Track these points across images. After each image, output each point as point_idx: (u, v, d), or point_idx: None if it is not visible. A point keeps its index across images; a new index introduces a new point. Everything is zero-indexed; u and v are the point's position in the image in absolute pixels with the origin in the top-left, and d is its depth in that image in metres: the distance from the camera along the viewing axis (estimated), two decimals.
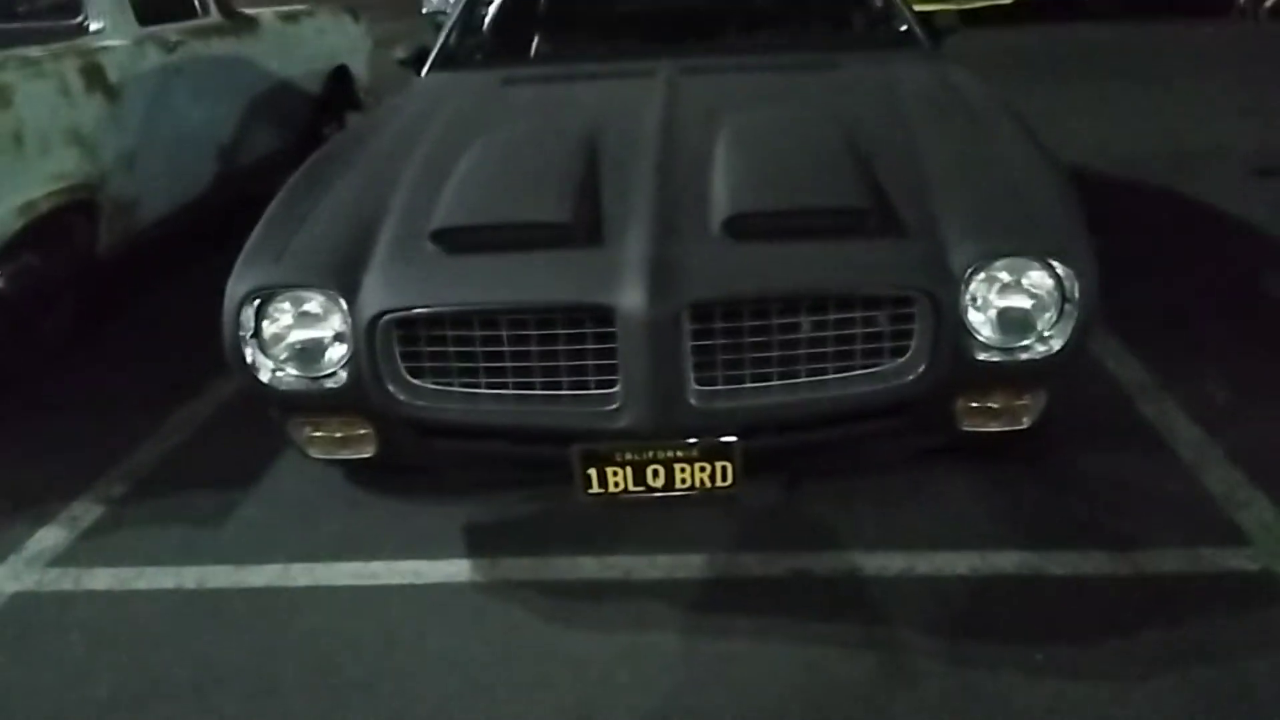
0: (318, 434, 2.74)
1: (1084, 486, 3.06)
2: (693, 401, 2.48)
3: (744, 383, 2.54)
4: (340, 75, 7.00)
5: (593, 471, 2.58)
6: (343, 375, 2.58)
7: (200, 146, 5.35)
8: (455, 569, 2.89)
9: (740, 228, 2.56)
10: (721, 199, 2.65)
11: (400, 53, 4.46)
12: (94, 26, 4.78)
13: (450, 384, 2.59)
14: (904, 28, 4.31)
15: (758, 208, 2.59)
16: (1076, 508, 2.96)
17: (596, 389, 2.54)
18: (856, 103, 3.42)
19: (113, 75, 4.63)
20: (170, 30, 5.18)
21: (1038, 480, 3.09)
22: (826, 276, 2.49)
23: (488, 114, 3.51)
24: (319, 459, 2.81)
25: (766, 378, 2.54)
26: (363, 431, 2.71)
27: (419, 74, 4.30)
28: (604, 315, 2.44)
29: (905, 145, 3.03)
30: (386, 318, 2.52)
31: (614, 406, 2.49)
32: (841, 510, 3.01)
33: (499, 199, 2.70)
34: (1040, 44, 12.04)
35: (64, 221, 4.32)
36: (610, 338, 2.45)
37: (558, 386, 2.56)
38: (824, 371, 2.55)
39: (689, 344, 2.45)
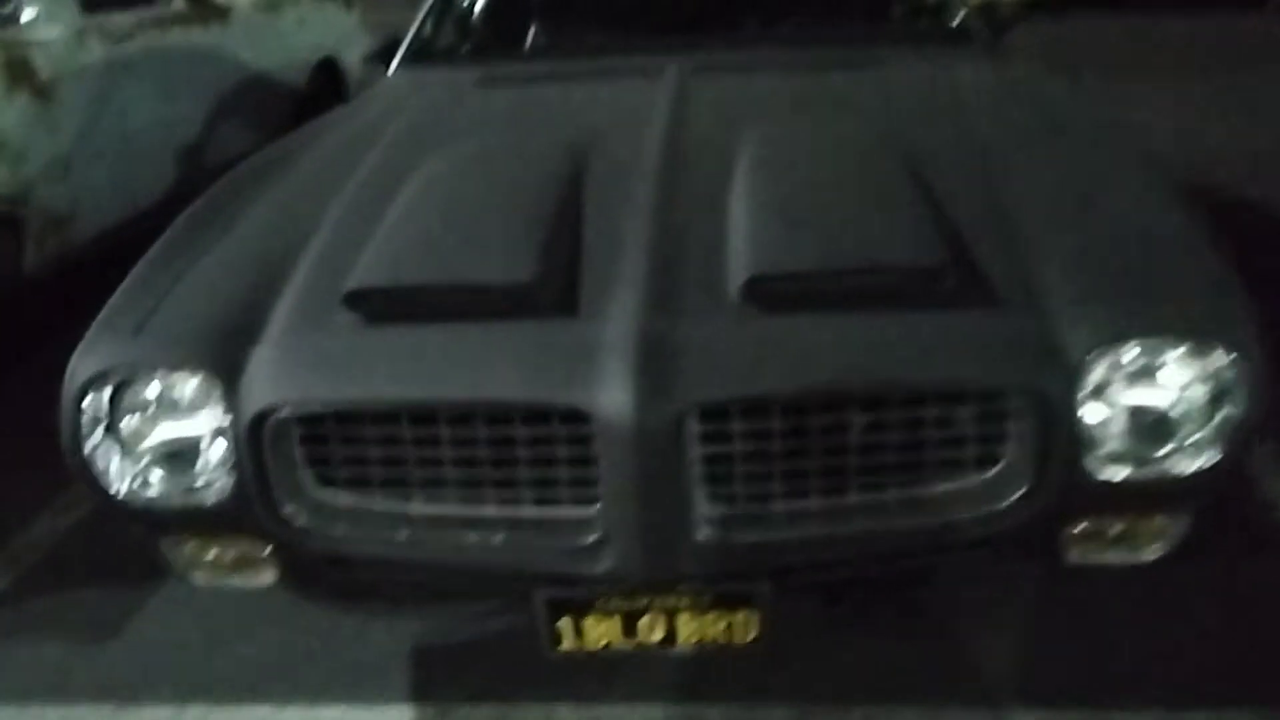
0: (201, 556, 2.01)
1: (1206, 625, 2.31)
2: (702, 535, 1.73)
3: (772, 504, 1.79)
4: (327, 68, 6.22)
5: (565, 624, 1.84)
6: (225, 485, 1.84)
7: (156, 149, 4.59)
8: (395, 717, 2.17)
9: (767, 294, 1.79)
10: (741, 252, 1.87)
11: (366, 48, 3.69)
12: (26, 16, 4.02)
13: (371, 499, 1.86)
14: (960, 17, 3.50)
15: (791, 266, 1.81)
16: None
17: (570, 510, 1.80)
18: (910, 113, 2.62)
19: (44, 71, 3.88)
20: (122, 19, 4.45)
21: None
22: (888, 365, 1.72)
23: (448, 127, 2.69)
24: (204, 586, 2.08)
25: (803, 496, 1.80)
26: (260, 554, 1.98)
27: (387, 69, 3.54)
28: (578, 418, 1.71)
29: (980, 173, 2.23)
30: (278, 415, 1.79)
31: (593, 538, 1.74)
32: (893, 646, 2.28)
33: (439, 249, 1.92)
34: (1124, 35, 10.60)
35: None
36: (586, 442, 1.72)
37: (517, 506, 1.82)
38: (882, 489, 1.80)
39: (697, 455, 1.71)
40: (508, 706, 2.16)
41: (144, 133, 4.50)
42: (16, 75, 3.77)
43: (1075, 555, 1.92)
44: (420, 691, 2.21)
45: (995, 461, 1.78)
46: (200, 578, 2.03)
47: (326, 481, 1.85)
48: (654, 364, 1.66)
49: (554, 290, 1.83)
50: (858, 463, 1.77)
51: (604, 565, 1.73)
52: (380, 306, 1.84)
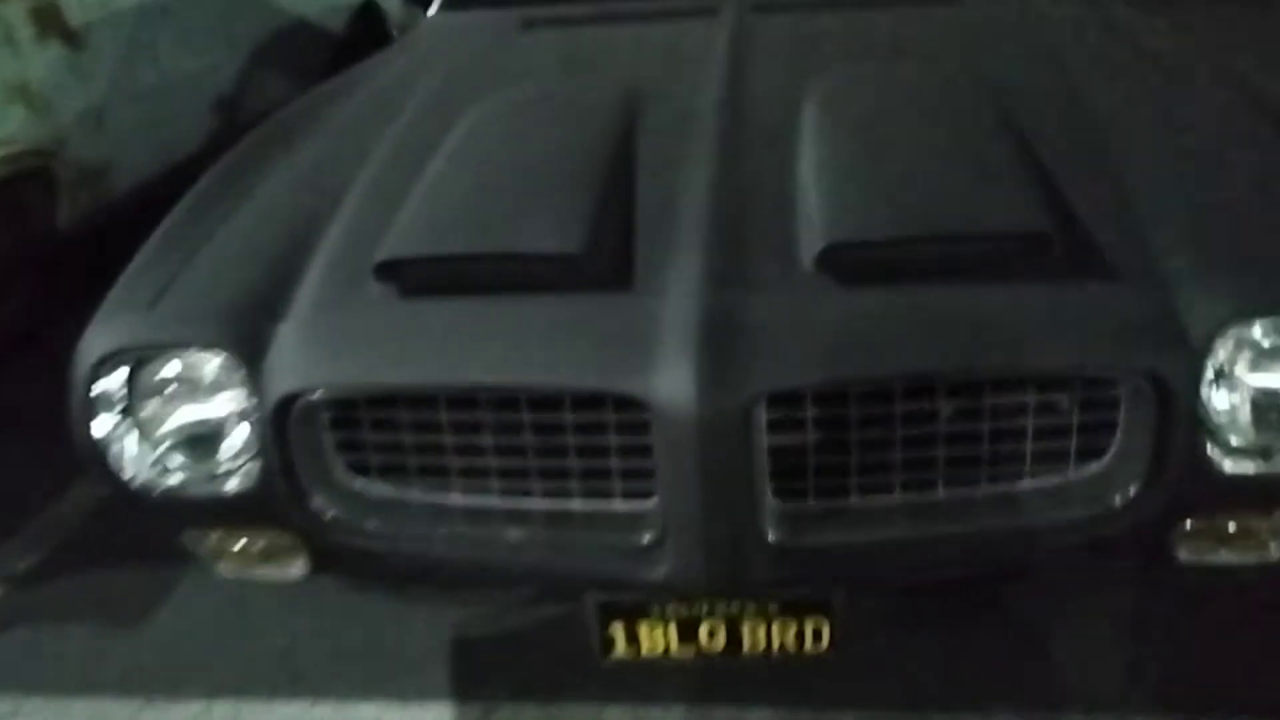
0: (227, 546, 1.85)
1: None
2: (771, 536, 1.55)
3: (848, 499, 1.60)
4: (368, 11, 6.00)
5: (617, 630, 1.67)
6: (250, 473, 1.67)
7: (192, 98, 4.42)
8: (433, 717, 2.02)
9: (845, 265, 1.57)
10: (815, 216, 1.64)
11: None
12: None
13: (406, 489, 1.69)
14: None
15: (872, 233, 1.58)
16: None
17: (623, 505, 1.62)
18: (1000, 55, 2.34)
19: (74, 17, 3.72)
20: None
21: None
22: (986, 346, 1.50)
23: (489, 75, 2.44)
24: (231, 578, 1.92)
25: (883, 491, 1.60)
26: (290, 544, 1.82)
27: (425, 11, 3.31)
28: (633, 405, 1.52)
29: (1083, 124, 1.97)
30: (305, 399, 1.61)
31: (649, 538, 1.56)
32: (964, 646, 2.09)
33: (479, 214, 1.71)
34: None
35: (13, 193, 3.46)
36: (642, 429, 1.52)
37: (565, 499, 1.65)
38: (974, 482, 1.60)
39: (764, 446, 1.52)
40: (555, 707, 2.00)
41: (179, 81, 4.32)
42: (46, 22, 3.61)
43: (1186, 554, 1.69)
44: (461, 688, 2.06)
45: (1101, 453, 1.58)
46: (226, 568, 1.87)
47: (359, 470, 1.68)
48: (719, 346, 1.45)
49: (606, 261, 1.62)
50: (945, 454, 1.57)
51: (661, 571, 1.55)
52: (415, 279, 1.64)
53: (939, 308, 1.52)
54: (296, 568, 1.83)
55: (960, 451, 1.57)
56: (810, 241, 1.59)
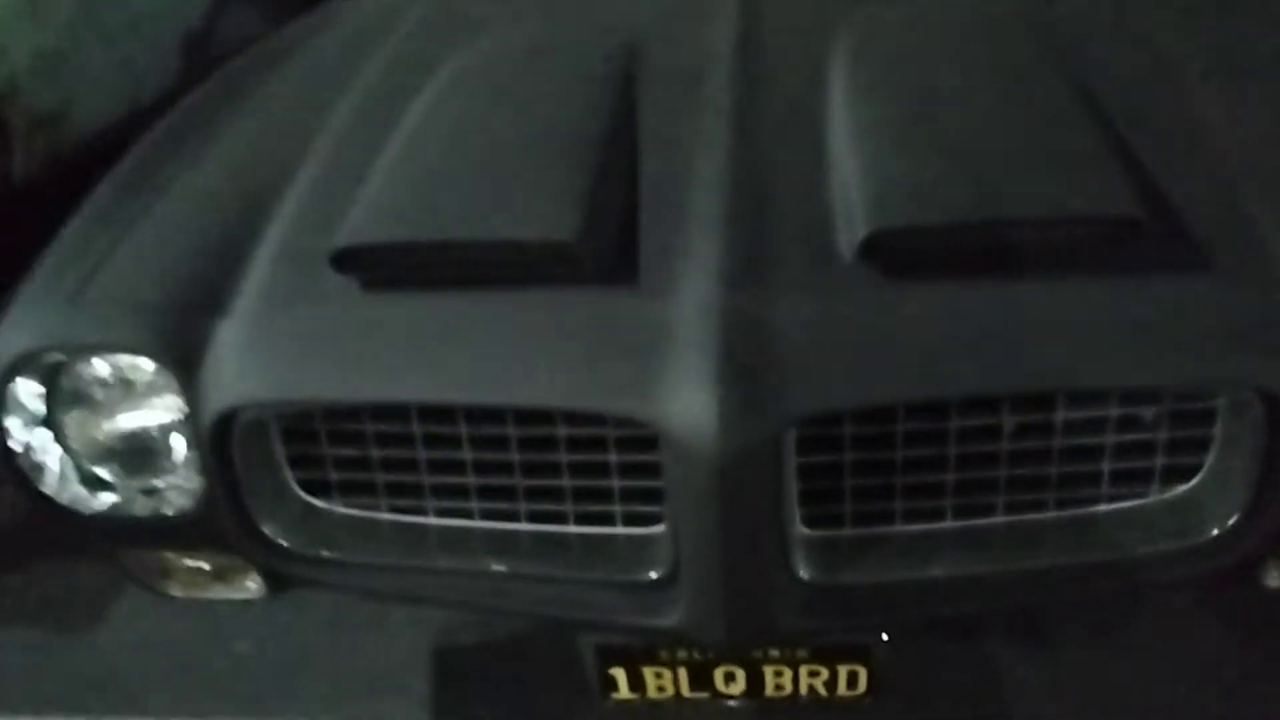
0: (175, 565, 1.60)
1: None
2: (803, 572, 1.31)
3: (891, 526, 1.36)
4: None
5: (618, 672, 1.44)
6: (192, 491, 1.42)
7: (157, 37, 4.11)
8: None
9: (894, 256, 1.30)
10: (855, 196, 1.35)
11: None
12: None
13: (374, 510, 1.45)
14: None
15: (926, 218, 1.30)
16: None
17: (626, 531, 1.38)
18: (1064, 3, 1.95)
19: None
20: None
21: None
22: (1066, 357, 1.24)
23: (469, 21, 2.04)
24: (180, 597, 1.68)
25: (931, 517, 1.37)
26: (244, 564, 1.58)
27: None
28: (637, 425, 1.26)
29: (1169, 84, 1.65)
30: (249, 413, 1.37)
31: (655, 575, 1.33)
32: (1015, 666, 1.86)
33: (454, 194, 1.42)
34: None
35: None
36: (649, 446, 1.26)
37: (556, 523, 1.41)
38: (1040, 507, 1.37)
39: (794, 468, 1.27)
40: None
41: (144, 18, 4.00)
42: None
43: (1276, 578, 1.48)
44: (440, 711, 1.84)
45: (1191, 474, 1.34)
46: (174, 588, 1.63)
47: (317, 489, 1.44)
48: (743, 361, 1.19)
49: (606, 250, 1.34)
50: (1007, 474, 1.33)
51: (671, 618, 1.31)
52: (378, 270, 1.37)
53: (1007, 309, 1.26)
54: (253, 588, 1.59)
55: (1025, 471, 1.33)
56: (850, 228, 1.31)
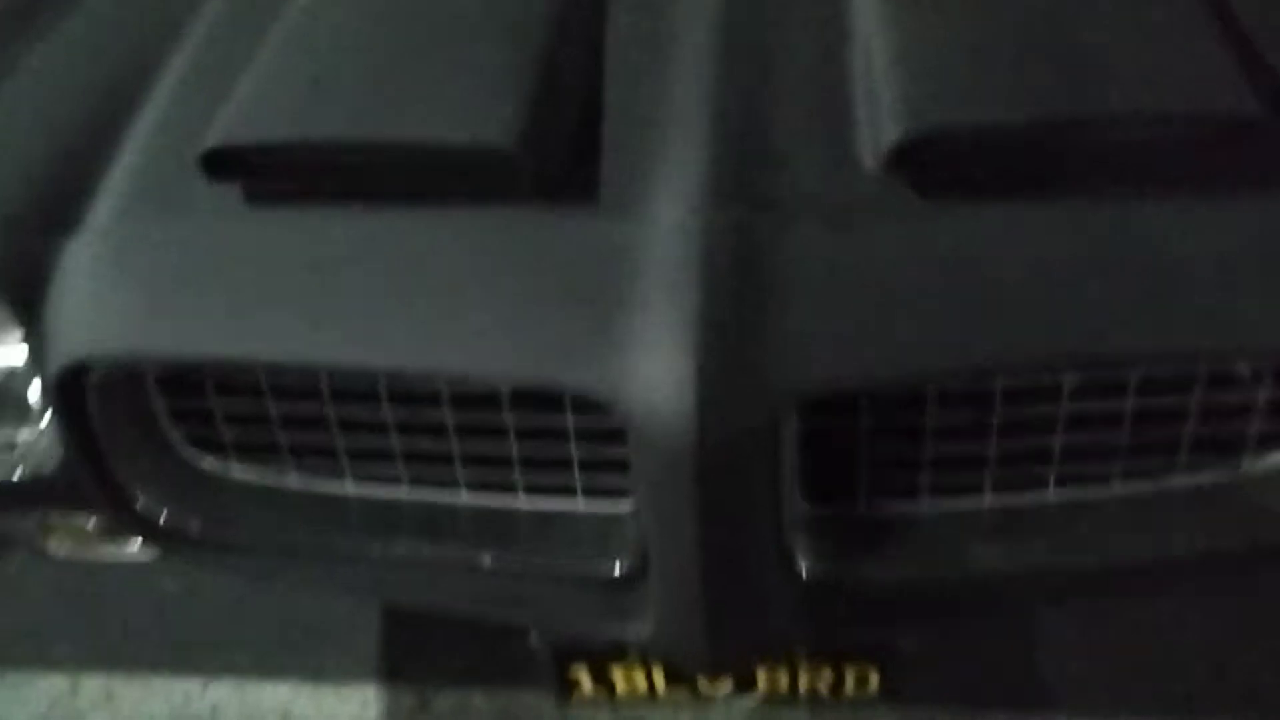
0: (53, 523, 1.34)
1: None
2: (804, 565, 1.03)
3: (916, 503, 1.09)
4: None
5: (580, 672, 1.19)
6: (49, 449, 1.15)
7: None
8: (356, 707, 1.58)
9: (935, 169, 0.98)
10: (885, 84, 1.01)
11: None
12: None
13: (279, 474, 1.17)
14: None
15: (979, 115, 0.97)
16: None
17: (585, 506, 1.11)
18: None
19: None
20: None
21: None
22: (1161, 306, 0.93)
23: None
24: (63, 559, 1.42)
25: (969, 493, 1.09)
26: None
27: None
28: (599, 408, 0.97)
29: None
30: (104, 362, 1.08)
31: (621, 568, 1.06)
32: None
33: (359, 84, 1.08)
34: None
35: None
36: (614, 438, 1.00)
37: (499, 493, 1.13)
38: (1102, 481, 1.09)
39: (793, 433, 0.99)
40: (507, 696, 1.56)
41: None
42: None
43: None
44: (392, 670, 1.61)
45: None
46: (57, 547, 1.38)
47: (207, 448, 1.17)
48: (731, 308, 0.90)
49: (552, 161, 1.01)
50: (1061, 440, 1.06)
51: (641, 627, 1.05)
52: (261, 180, 1.05)
53: (1085, 240, 0.96)
54: (142, 549, 1.34)
55: (1086, 438, 1.05)
56: (876, 131, 0.99)
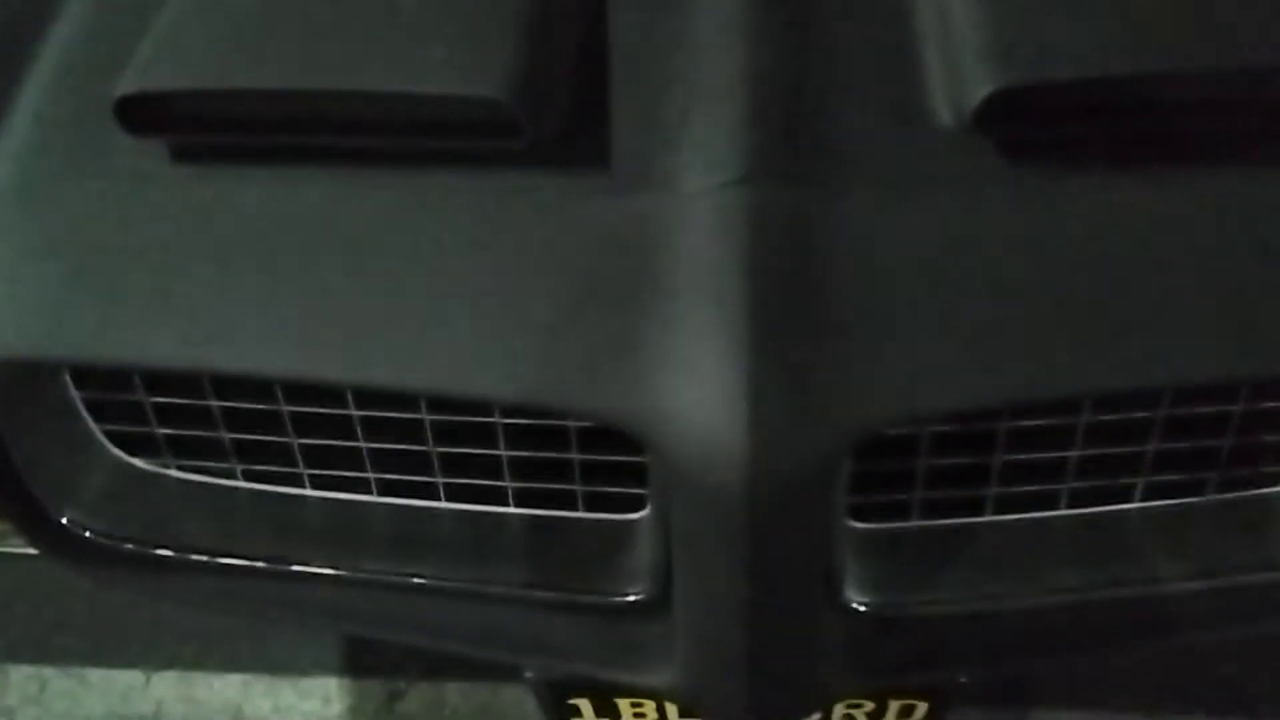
0: None
1: None
2: (854, 596, 0.87)
3: (980, 516, 0.92)
4: None
5: (583, 704, 1.03)
6: None
7: None
8: (317, 702, 1.42)
9: (1031, 129, 0.79)
10: (969, 34, 0.79)
11: None
12: None
13: (218, 474, 0.98)
14: None
15: (1088, 66, 0.77)
16: None
17: (593, 517, 0.94)
18: None
19: None
20: None
21: None
22: None
23: None
24: None
25: (1039, 505, 0.92)
26: None
27: None
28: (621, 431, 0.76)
29: None
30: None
31: (636, 594, 0.89)
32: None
33: (313, 22, 0.84)
34: None
35: None
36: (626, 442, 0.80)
37: (487, 501, 0.95)
38: (1195, 489, 0.92)
39: (847, 473, 0.80)
40: (483, 690, 1.40)
41: None
42: None
43: None
44: (357, 663, 1.45)
45: None
46: None
47: (133, 444, 0.97)
48: (788, 314, 0.71)
49: (555, 118, 0.81)
50: (1157, 448, 0.89)
51: (662, 674, 0.89)
52: (195, 133, 0.84)
53: (1218, 221, 0.77)
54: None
55: (1178, 444, 0.89)
56: (959, 87, 0.79)
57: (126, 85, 0.81)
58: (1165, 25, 0.79)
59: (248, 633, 1.46)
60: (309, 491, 0.96)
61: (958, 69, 0.79)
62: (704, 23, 0.84)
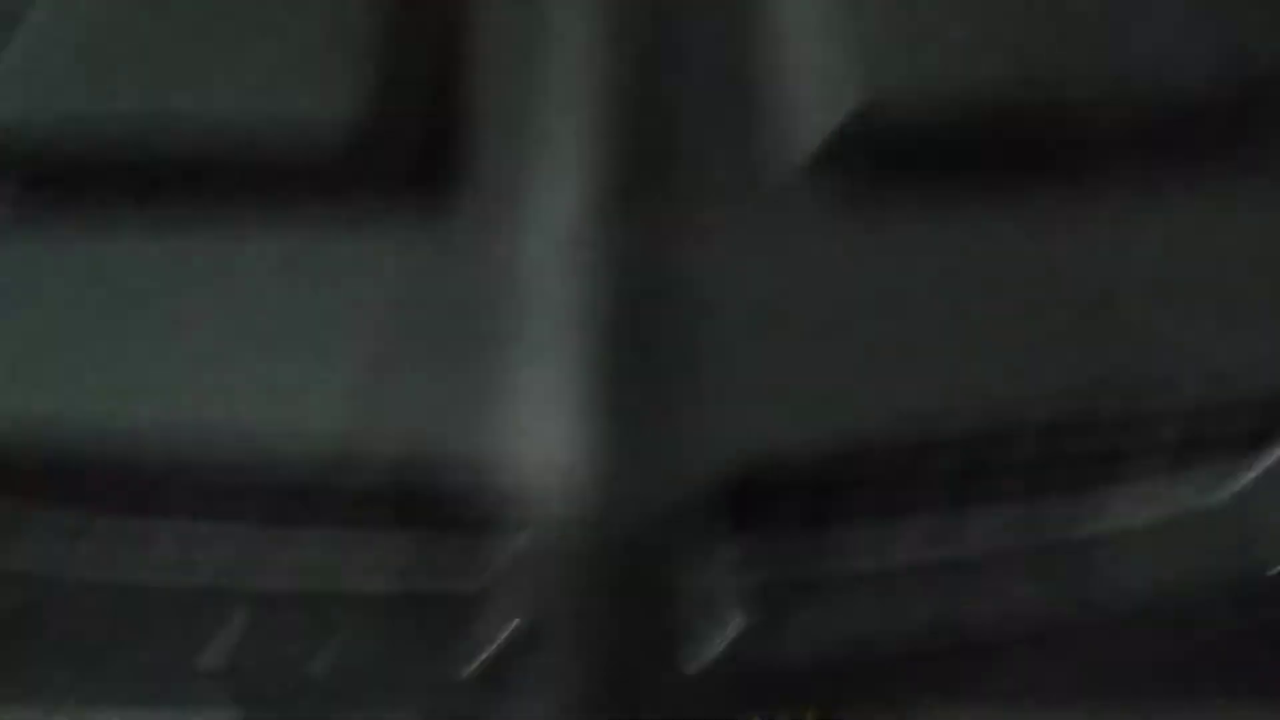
0: None
1: None
2: (696, 662, 0.81)
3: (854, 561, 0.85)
4: None
5: None
6: None
7: None
8: None
9: (890, 152, 0.74)
10: (836, 47, 0.76)
11: None
12: None
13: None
14: None
15: (957, 85, 0.74)
16: None
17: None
18: None
19: None
20: None
21: None
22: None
23: None
24: None
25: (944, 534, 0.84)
26: None
27: None
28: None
29: None
30: None
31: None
32: None
33: (140, 44, 0.78)
34: None
35: None
36: None
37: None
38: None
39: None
40: None
41: None
42: None
43: None
44: None
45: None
46: None
47: None
48: (638, 357, 0.67)
49: (405, 141, 0.76)
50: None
51: (504, 704, 0.83)
52: (24, 169, 0.78)
53: (1090, 249, 0.73)
54: None
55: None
56: (825, 105, 0.74)
57: None
58: (1041, 42, 0.74)
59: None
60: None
61: (804, 110, 0.75)
62: (558, 65, 0.79)
